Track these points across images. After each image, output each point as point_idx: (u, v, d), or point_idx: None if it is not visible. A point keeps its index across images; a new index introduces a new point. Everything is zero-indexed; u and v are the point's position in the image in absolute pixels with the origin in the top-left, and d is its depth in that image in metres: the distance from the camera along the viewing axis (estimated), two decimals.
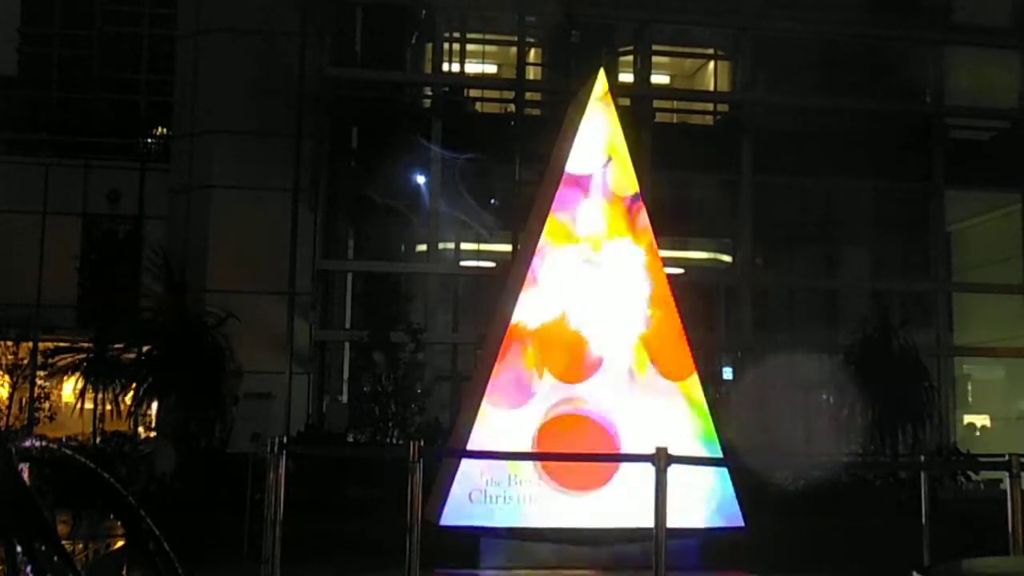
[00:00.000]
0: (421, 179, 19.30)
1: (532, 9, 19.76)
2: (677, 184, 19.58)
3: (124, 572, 9.70)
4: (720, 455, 11.27)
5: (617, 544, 10.43)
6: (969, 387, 22.68)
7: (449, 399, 18.39)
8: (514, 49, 20.35)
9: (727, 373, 19.58)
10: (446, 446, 12.32)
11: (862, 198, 21.42)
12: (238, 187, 17.80)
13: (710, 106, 22.78)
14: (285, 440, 8.97)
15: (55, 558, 1.61)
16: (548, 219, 11.28)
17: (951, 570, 4.30)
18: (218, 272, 17.00)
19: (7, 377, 21.76)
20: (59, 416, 21.74)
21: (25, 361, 21.86)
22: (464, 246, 20.40)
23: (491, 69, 22.91)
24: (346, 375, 19.39)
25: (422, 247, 20.07)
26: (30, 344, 21.99)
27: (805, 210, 21.13)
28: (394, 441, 13.90)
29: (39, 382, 21.76)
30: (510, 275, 12.56)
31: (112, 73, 30.67)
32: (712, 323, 20.12)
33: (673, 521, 7.46)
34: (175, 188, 18.95)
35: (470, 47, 21.18)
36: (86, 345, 17.06)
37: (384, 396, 14.36)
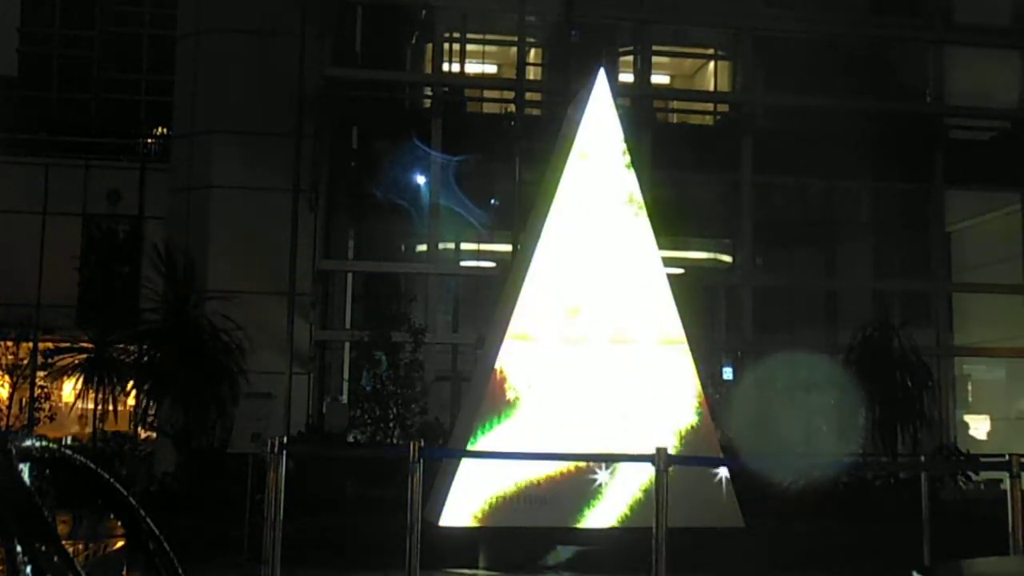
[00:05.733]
0: (421, 179, 19.30)
1: (532, 9, 19.75)
2: (677, 184, 19.58)
3: (124, 572, 9.70)
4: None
5: (616, 544, 10.44)
6: (969, 387, 22.67)
7: (449, 399, 18.39)
8: (514, 49, 20.33)
9: (727, 373, 19.58)
10: (446, 446, 12.32)
11: (862, 198, 21.43)
12: (238, 187, 17.79)
13: (710, 106, 22.78)
14: (285, 440, 8.97)
15: (55, 558, 1.60)
16: (548, 219, 11.29)
17: (951, 570, 4.30)
18: (218, 272, 17.00)
19: (7, 377, 21.78)
20: (59, 416, 21.76)
21: (25, 361, 21.89)
22: (464, 246, 20.40)
23: (491, 69, 22.91)
24: (346, 375, 19.38)
25: (422, 247, 20.07)
26: (30, 344, 22.02)
27: (805, 210, 21.13)
28: (394, 441, 13.90)
29: (39, 382, 21.78)
30: (510, 276, 12.57)
31: (112, 73, 30.70)
32: (712, 323, 20.12)
33: (673, 521, 7.45)
34: (175, 188, 18.94)
35: (470, 47, 21.18)
36: (86, 345, 17.09)
37: (384, 396, 14.36)
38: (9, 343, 21.63)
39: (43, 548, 1.58)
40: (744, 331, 19.26)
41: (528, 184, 16.90)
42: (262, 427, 11.77)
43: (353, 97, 19.71)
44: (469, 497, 10.46)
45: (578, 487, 10.62)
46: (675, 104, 23.06)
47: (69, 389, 20.24)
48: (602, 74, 11.73)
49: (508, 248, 18.22)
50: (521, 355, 10.91)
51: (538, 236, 11.33)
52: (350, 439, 14.64)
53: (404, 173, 19.04)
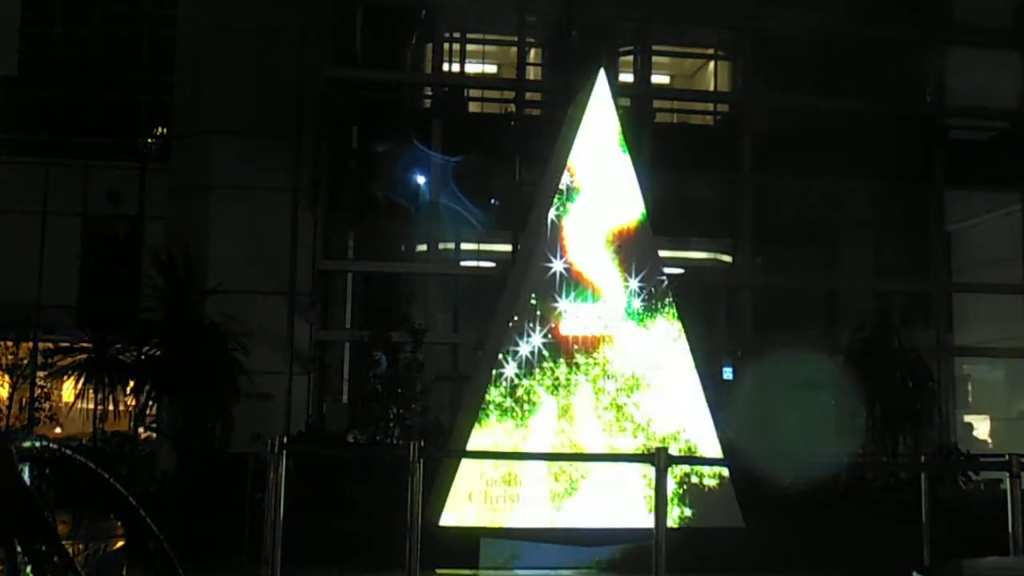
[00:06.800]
0: (421, 179, 19.30)
1: (532, 9, 19.74)
2: (677, 184, 19.57)
3: (124, 572, 9.70)
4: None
5: (616, 544, 10.45)
6: (969, 387, 22.66)
7: (449, 399, 18.38)
8: (514, 49, 20.33)
9: (727, 373, 19.57)
10: (446, 446, 12.32)
11: (862, 198, 21.41)
12: (238, 187, 17.79)
13: (710, 106, 22.77)
14: (285, 440, 8.97)
15: (55, 558, 1.61)
16: (548, 220, 11.29)
17: (951, 570, 4.30)
18: (218, 272, 16.99)
19: (7, 377, 21.74)
20: (59, 416, 21.74)
21: (25, 361, 21.85)
22: (464, 246, 20.39)
23: (491, 69, 22.90)
24: (346, 375, 19.38)
25: (422, 247, 20.07)
26: (30, 344, 21.98)
27: (805, 210, 21.11)
28: (394, 441, 13.89)
29: (39, 382, 21.74)
30: (510, 276, 12.57)
31: (112, 73, 30.64)
32: (712, 323, 20.11)
33: (673, 521, 7.45)
34: (175, 188, 18.94)
35: (470, 47, 21.17)
36: (86, 345, 17.06)
37: (384, 396, 14.35)
38: (9, 343, 21.59)
39: (43, 548, 1.58)
40: (744, 331, 19.25)
41: (528, 184, 16.90)
42: (262, 427, 11.77)
43: (353, 97, 19.69)
44: (469, 497, 10.46)
45: (578, 487, 10.62)
46: (675, 104, 23.05)
47: (69, 389, 20.21)
48: (602, 74, 11.73)
49: (508, 248, 18.21)
50: (521, 355, 10.91)
51: (538, 236, 11.33)
52: (350, 439, 14.62)
53: (404, 173, 19.03)
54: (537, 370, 10.90)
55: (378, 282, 19.91)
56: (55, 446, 1.76)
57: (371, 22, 20.64)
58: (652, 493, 7.43)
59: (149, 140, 28.08)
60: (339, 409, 17.02)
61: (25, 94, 31.04)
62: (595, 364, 11.01)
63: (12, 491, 1.61)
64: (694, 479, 10.88)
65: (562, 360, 10.97)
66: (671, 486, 10.35)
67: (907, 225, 22.04)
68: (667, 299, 11.34)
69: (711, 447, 11.12)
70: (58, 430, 22.38)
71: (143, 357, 14.18)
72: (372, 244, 20.85)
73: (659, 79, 22.37)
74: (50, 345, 19.63)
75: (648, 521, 7.36)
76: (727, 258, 21.20)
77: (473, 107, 21.85)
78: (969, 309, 21.63)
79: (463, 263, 20.56)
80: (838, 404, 14.18)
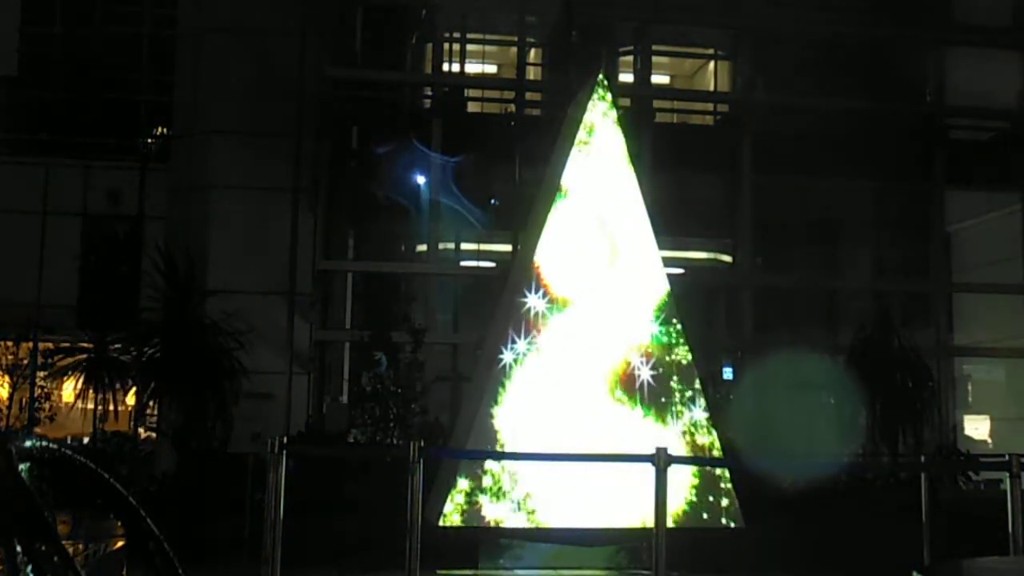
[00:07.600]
0: (421, 179, 19.30)
1: (532, 9, 19.74)
2: (677, 184, 19.56)
3: (124, 572, 9.70)
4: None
5: (617, 544, 10.45)
6: (969, 387, 22.66)
7: (449, 399, 18.38)
8: (514, 49, 20.34)
9: (727, 373, 19.57)
10: (446, 446, 12.32)
11: (862, 198, 21.41)
12: (238, 187, 17.78)
13: (710, 106, 22.77)
14: (285, 440, 8.97)
15: (55, 558, 1.61)
16: (548, 219, 11.29)
17: (951, 570, 4.31)
18: (218, 272, 16.99)
19: (7, 377, 21.73)
20: (59, 416, 21.73)
21: (25, 361, 21.85)
22: (464, 246, 20.39)
23: (491, 69, 22.90)
24: (346, 375, 19.38)
25: (422, 247, 20.07)
26: (30, 344, 21.98)
27: (805, 210, 21.11)
28: (394, 441, 13.89)
29: (39, 382, 21.74)
30: (510, 276, 12.57)
31: (112, 73, 30.62)
32: (712, 323, 20.11)
33: (673, 521, 7.45)
34: (175, 188, 18.94)
35: (470, 47, 21.17)
36: (86, 345, 17.07)
37: (384, 396, 14.35)
38: (9, 343, 21.59)
39: (43, 548, 1.58)
40: (744, 331, 19.25)
41: (528, 184, 16.89)
42: (262, 427, 11.78)
43: (353, 97, 19.69)
44: (469, 497, 10.47)
45: (578, 487, 10.62)
46: (675, 104, 23.05)
47: (69, 389, 20.21)
48: (602, 74, 11.74)
49: (508, 248, 18.21)
50: (520, 355, 10.91)
51: (538, 236, 11.34)
52: (350, 439, 14.63)
53: (404, 173, 19.03)
54: (536, 370, 10.90)
55: (378, 282, 19.91)
56: (55, 446, 1.76)
57: (371, 22, 20.64)
58: (652, 493, 7.43)
59: (149, 140, 28.06)
60: (339, 409, 17.02)
61: (25, 94, 31.02)
62: (594, 364, 11.01)
63: (12, 491, 1.62)
64: (694, 479, 10.88)
65: (561, 360, 10.96)
66: (671, 486, 10.35)
67: (907, 225, 22.04)
68: (667, 299, 11.34)
69: (711, 447, 11.12)
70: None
71: (143, 357, 14.17)
72: (372, 244, 20.85)
73: (659, 79, 22.37)
74: (50, 345, 19.65)
75: (648, 521, 7.36)
76: (727, 258, 21.20)
77: (473, 107, 21.85)
78: (969, 309, 21.62)
79: (463, 263, 20.56)
80: (838, 404, 14.18)
